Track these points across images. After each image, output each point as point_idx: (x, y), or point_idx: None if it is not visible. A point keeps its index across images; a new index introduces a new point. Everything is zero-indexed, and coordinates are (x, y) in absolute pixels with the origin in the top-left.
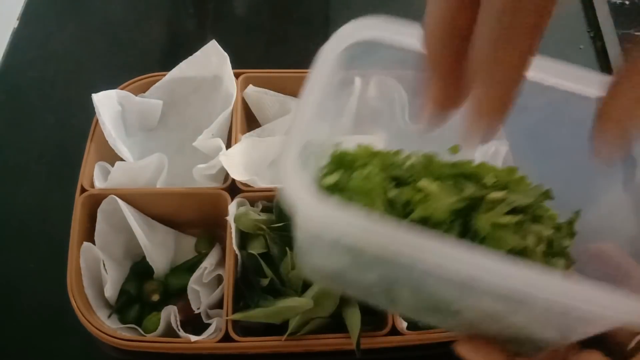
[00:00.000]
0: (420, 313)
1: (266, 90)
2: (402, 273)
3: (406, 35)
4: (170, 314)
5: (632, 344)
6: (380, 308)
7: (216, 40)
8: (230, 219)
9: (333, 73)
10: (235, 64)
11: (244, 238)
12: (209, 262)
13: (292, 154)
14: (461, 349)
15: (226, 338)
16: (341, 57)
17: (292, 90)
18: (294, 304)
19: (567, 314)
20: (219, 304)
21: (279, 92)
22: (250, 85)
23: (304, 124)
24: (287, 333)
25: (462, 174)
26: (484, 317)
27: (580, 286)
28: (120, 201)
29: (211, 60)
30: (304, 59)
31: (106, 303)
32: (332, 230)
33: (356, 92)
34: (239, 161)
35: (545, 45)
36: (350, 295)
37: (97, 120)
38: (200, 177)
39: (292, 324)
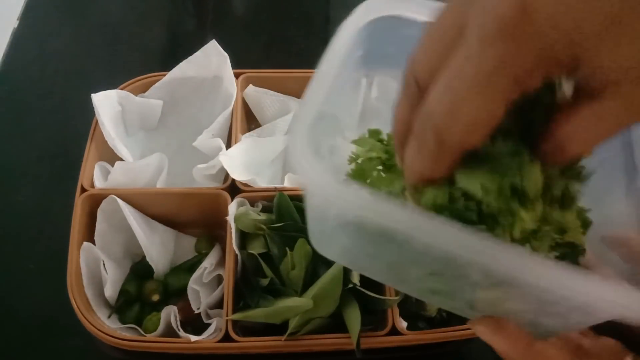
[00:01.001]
0: (425, 293)
1: (266, 90)
2: (403, 252)
3: (426, 12)
4: (170, 314)
5: None
6: (390, 285)
7: (216, 40)
8: (230, 219)
9: (353, 47)
10: (235, 64)
11: (244, 238)
12: (209, 262)
13: (304, 126)
14: (480, 331)
15: (226, 338)
16: (362, 32)
17: (292, 90)
18: (294, 304)
19: (558, 303)
20: (219, 304)
21: (279, 92)
22: (250, 85)
23: (319, 94)
24: (287, 333)
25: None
26: (481, 301)
27: (572, 275)
28: (120, 201)
29: (211, 60)
30: (304, 59)
31: (106, 303)
32: (336, 205)
33: (361, 92)
34: (239, 161)
35: None
36: (361, 272)
37: (97, 120)
38: (200, 177)
39: (292, 324)
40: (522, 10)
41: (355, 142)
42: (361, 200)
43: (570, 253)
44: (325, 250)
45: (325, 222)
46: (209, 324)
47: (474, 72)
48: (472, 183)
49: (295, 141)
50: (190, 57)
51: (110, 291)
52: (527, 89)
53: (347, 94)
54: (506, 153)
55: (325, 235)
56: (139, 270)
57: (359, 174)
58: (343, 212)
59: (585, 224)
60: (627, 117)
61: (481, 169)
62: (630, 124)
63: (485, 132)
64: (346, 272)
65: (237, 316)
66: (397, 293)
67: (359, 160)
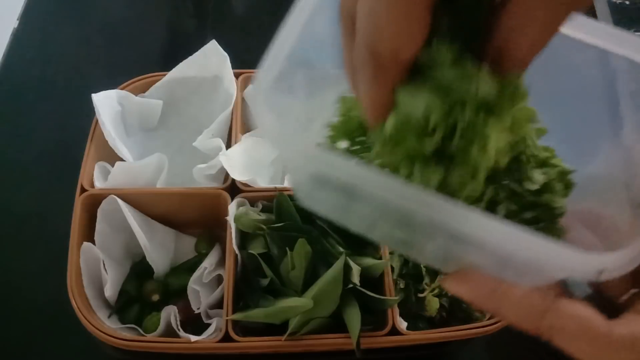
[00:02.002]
0: (399, 246)
1: None
2: (364, 205)
3: None
4: (170, 314)
5: (625, 297)
6: (370, 237)
7: (216, 40)
8: (230, 219)
9: None
10: (235, 64)
11: (244, 238)
12: (209, 262)
13: (268, 77)
14: (448, 285)
15: (226, 338)
16: None
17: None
18: (294, 304)
19: (509, 259)
20: (219, 304)
21: None
22: (250, 85)
23: (287, 41)
24: (287, 333)
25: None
26: (443, 257)
27: (519, 233)
28: (120, 201)
29: (211, 60)
30: None
31: (106, 303)
32: (293, 160)
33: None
34: (239, 161)
35: None
36: (344, 226)
37: (97, 120)
38: (200, 177)
39: (292, 324)
40: None
41: (339, 100)
42: (313, 155)
43: (546, 214)
44: (307, 203)
45: (295, 175)
46: (209, 324)
47: None
48: (414, 102)
49: (256, 96)
50: (190, 57)
51: (110, 291)
52: None
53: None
54: (447, 63)
55: (301, 189)
56: (139, 270)
57: (339, 133)
58: (300, 167)
59: (568, 186)
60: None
61: (424, 86)
62: (576, 8)
63: (416, 38)
64: (346, 272)
65: (237, 316)
66: (397, 293)
67: (339, 120)
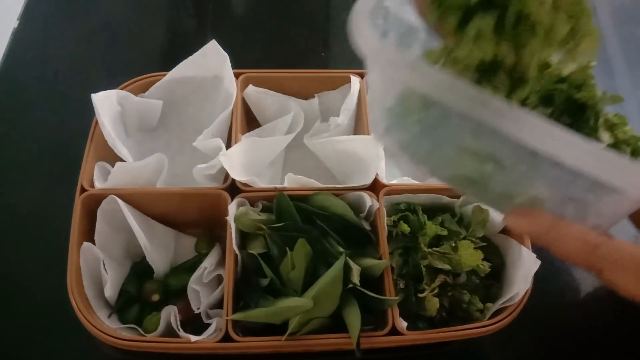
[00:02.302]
0: (461, 182)
1: (266, 90)
2: (443, 123)
3: None
4: (170, 314)
5: None
6: (432, 175)
7: (216, 40)
8: (230, 219)
9: None
10: (235, 64)
11: (244, 238)
12: (209, 262)
13: (368, 4)
14: (508, 221)
15: (226, 338)
16: None
17: (292, 90)
18: (294, 304)
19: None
20: (219, 304)
21: (279, 92)
22: (250, 85)
23: None
24: (287, 333)
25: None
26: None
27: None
28: (120, 201)
29: (211, 60)
30: (304, 59)
31: (106, 303)
32: (386, 69)
33: (354, 92)
34: (239, 161)
35: None
36: (411, 160)
37: (97, 120)
38: (200, 177)
39: (292, 324)
40: None
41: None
42: (407, 64)
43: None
44: (382, 137)
45: (382, 97)
46: (209, 324)
47: None
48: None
49: (358, 12)
50: (190, 57)
51: (110, 291)
52: None
53: None
54: None
55: (380, 118)
56: (139, 270)
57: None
58: (393, 76)
59: (636, 152)
60: None
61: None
62: None
63: None
64: (346, 272)
65: (237, 316)
66: (397, 293)
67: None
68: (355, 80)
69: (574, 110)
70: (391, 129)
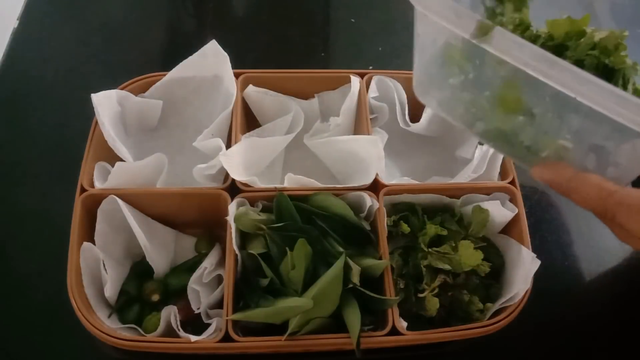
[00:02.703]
0: (492, 137)
1: (266, 90)
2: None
3: None
4: (170, 314)
5: None
6: (468, 130)
7: (216, 40)
8: (230, 219)
9: None
10: (235, 64)
11: (244, 238)
12: (209, 262)
13: None
14: (534, 172)
15: (226, 338)
16: None
17: (292, 90)
18: (294, 304)
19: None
20: (219, 304)
21: (279, 92)
22: (250, 85)
23: None
24: (287, 333)
25: None
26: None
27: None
28: (120, 201)
29: (211, 60)
30: (304, 59)
31: (106, 303)
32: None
33: (354, 92)
34: (239, 161)
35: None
36: (450, 117)
37: (97, 120)
38: (200, 177)
39: (292, 324)
40: None
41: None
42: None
43: None
44: (425, 95)
45: (427, 49)
46: (209, 324)
47: None
48: None
49: None
50: (190, 57)
51: (110, 291)
52: None
53: None
54: None
55: (423, 73)
56: (139, 270)
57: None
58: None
59: None
60: None
61: None
62: None
63: None
64: (346, 272)
65: (237, 316)
66: (397, 293)
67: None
68: (355, 80)
69: (605, 74)
70: (432, 86)
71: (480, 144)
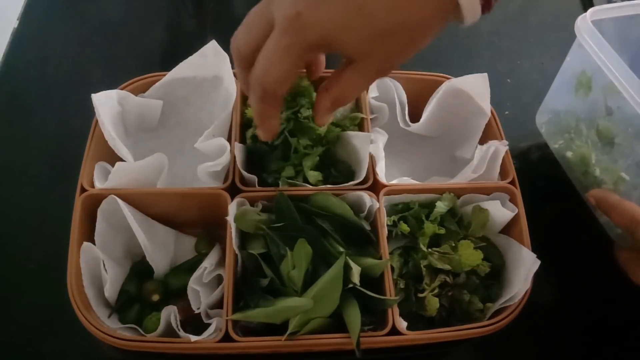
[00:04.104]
0: (579, 166)
1: None
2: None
3: None
4: (170, 314)
5: None
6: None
7: (216, 40)
8: (230, 219)
9: None
10: None
11: (244, 238)
12: (209, 262)
13: None
14: (592, 193)
15: (226, 338)
16: None
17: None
18: (294, 304)
19: None
20: (219, 304)
21: None
22: None
23: None
24: (287, 333)
25: None
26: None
27: None
28: (120, 201)
29: (211, 60)
30: None
31: (106, 303)
32: None
33: None
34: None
35: None
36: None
37: (97, 120)
38: (204, 175)
39: (292, 324)
40: (297, 14)
41: None
42: None
43: None
44: (542, 122)
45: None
46: (209, 324)
47: (277, 48)
48: None
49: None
50: (189, 57)
51: (110, 291)
52: (308, 59)
53: None
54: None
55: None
56: (139, 270)
57: None
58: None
59: None
60: (374, 73)
61: None
62: (376, 79)
63: (288, 82)
64: (346, 272)
65: (237, 316)
66: (397, 293)
67: None
68: None
69: None
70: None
71: (481, 143)
